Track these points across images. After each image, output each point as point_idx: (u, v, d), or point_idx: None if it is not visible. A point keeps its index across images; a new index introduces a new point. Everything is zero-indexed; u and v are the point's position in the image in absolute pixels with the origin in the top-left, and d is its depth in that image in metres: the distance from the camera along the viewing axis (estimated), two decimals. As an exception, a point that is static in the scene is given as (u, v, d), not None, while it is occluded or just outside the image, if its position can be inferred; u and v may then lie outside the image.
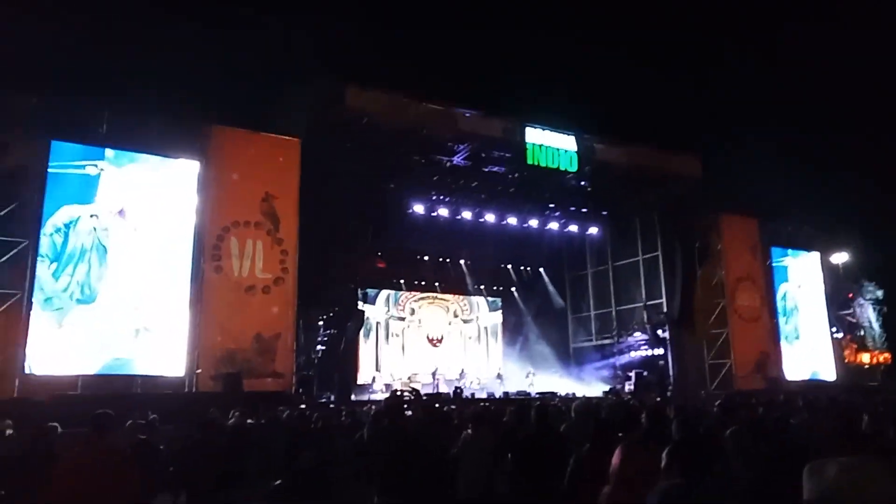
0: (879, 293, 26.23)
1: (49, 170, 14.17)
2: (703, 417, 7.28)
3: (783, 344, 24.05)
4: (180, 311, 15.14)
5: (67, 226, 14.32)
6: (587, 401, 10.22)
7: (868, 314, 26.26)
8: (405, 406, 6.80)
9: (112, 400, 10.87)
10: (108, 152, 14.97)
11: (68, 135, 14.57)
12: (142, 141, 15.29)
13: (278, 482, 4.49)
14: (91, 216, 14.56)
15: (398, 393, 17.51)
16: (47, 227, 14.09)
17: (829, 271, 26.24)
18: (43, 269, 13.93)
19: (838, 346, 25.62)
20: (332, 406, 14.23)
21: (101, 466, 3.90)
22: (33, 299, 13.70)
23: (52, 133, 14.30)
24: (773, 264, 24.83)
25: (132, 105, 15.70)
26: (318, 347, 18.30)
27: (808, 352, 24.76)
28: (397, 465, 4.93)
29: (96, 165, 14.79)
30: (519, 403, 9.09)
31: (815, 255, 26.03)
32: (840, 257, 26.39)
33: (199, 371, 14.85)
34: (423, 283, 25.81)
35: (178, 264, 15.38)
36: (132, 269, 14.80)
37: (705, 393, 19.98)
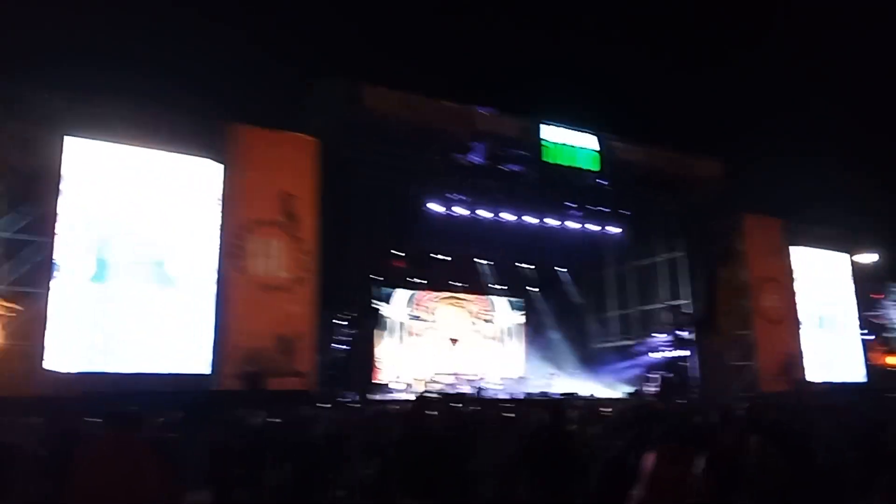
0: (908, 294, 25.66)
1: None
2: (730, 423, 7.14)
3: (810, 346, 23.60)
4: (204, 310, 15.23)
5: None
6: (624, 403, 10.07)
7: (896, 316, 25.71)
8: (430, 407, 6.76)
9: (136, 397, 10.97)
10: (124, 149, 15.03)
11: (86, 132, 14.62)
12: (160, 138, 15.32)
13: None
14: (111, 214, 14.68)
15: (424, 394, 17.45)
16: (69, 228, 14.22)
17: (858, 272, 25.72)
18: (69, 270, 14.08)
19: (867, 348, 25.11)
20: (352, 405, 14.23)
21: (128, 463, 3.89)
22: (52, 295, 13.80)
23: (69, 130, 14.36)
24: (800, 265, 24.39)
25: (151, 102, 15.78)
26: (339, 347, 18.32)
27: (835, 354, 24.29)
28: (422, 468, 4.88)
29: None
30: (542, 405, 9.01)
31: (843, 256, 25.54)
32: (869, 258, 25.85)
33: (221, 370, 14.93)
34: (442, 282, 25.72)
35: (200, 263, 15.47)
36: (151, 270, 14.91)
37: (729, 396, 19.67)
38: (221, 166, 15.98)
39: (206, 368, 14.98)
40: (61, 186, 14.11)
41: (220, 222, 15.75)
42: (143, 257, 14.86)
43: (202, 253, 15.55)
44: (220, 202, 15.85)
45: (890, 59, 28.40)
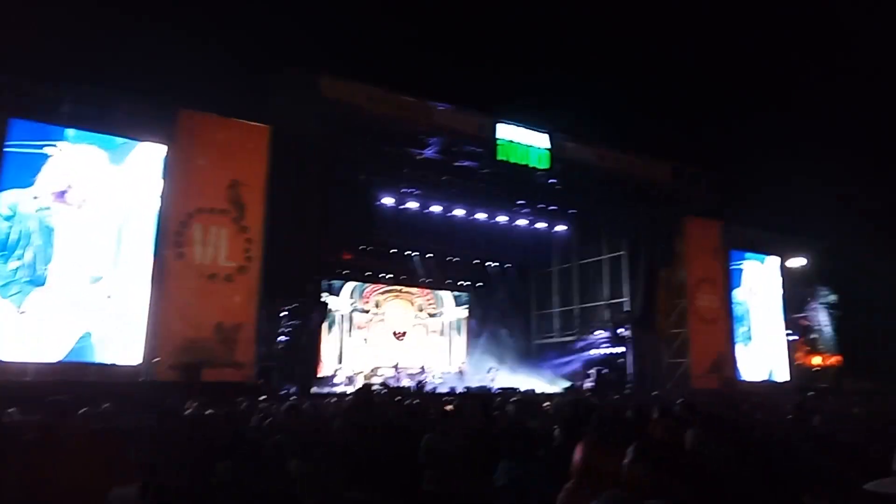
0: (833, 297, 27.09)
1: (6, 149, 13.65)
2: (664, 415, 7.43)
3: (739, 345, 24.65)
4: (139, 298, 14.78)
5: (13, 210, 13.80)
6: (562, 398, 10.31)
7: (822, 318, 27.10)
8: (371, 400, 6.79)
9: (65, 388, 10.57)
10: (70, 132, 14.50)
11: (28, 113, 14.07)
12: (106, 122, 14.86)
13: None
14: (35, 198, 13.97)
15: (369, 386, 17.39)
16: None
17: (787, 275, 26.98)
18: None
19: (792, 348, 26.38)
20: (293, 398, 14.04)
21: (59, 454, 3.79)
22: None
23: (11, 111, 13.80)
24: (733, 267, 25.41)
25: (98, 85, 15.24)
26: (281, 338, 18.05)
27: (763, 353, 25.43)
28: (368, 459, 4.91)
29: (55, 146, 14.31)
30: (483, 399, 9.18)
31: (774, 260, 26.73)
32: (797, 262, 27.14)
33: (157, 360, 14.52)
34: (389, 276, 25.71)
35: (138, 249, 15.00)
36: (84, 254, 14.37)
37: (663, 391, 20.35)
38: (168, 152, 15.52)
39: (140, 359, 14.54)
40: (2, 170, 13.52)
41: (163, 208, 15.30)
42: (74, 242, 14.29)
43: (142, 239, 15.07)
44: (166, 188, 15.41)
45: (835, 69, 29.85)
